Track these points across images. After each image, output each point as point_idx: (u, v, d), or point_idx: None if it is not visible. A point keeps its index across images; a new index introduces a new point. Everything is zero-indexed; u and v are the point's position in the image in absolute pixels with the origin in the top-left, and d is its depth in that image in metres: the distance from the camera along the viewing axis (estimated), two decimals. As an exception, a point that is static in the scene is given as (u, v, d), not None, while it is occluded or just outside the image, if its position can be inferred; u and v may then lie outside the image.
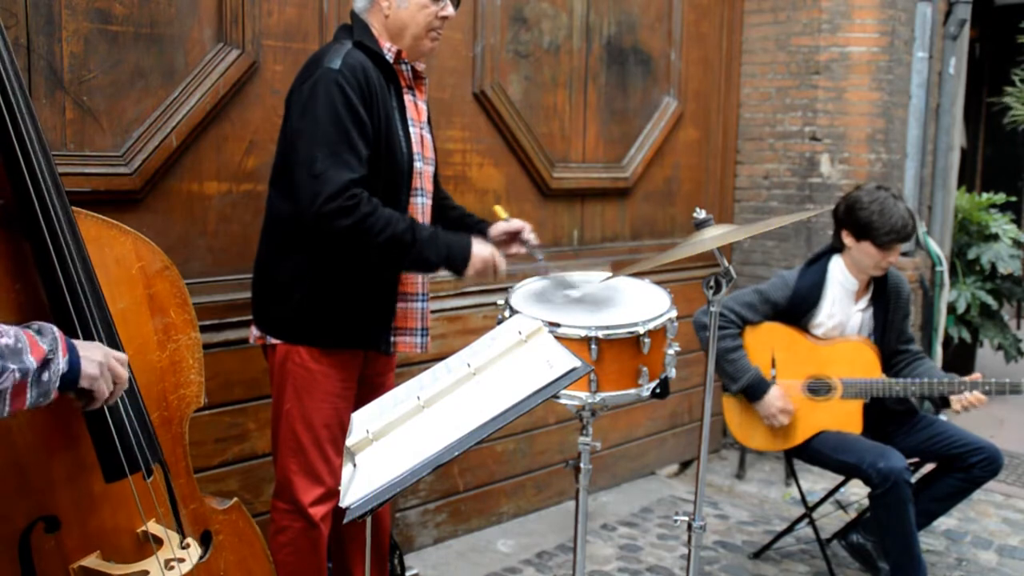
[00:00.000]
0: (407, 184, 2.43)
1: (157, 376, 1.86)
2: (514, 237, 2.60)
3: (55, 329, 1.51)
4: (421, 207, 2.50)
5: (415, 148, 2.44)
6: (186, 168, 2.75)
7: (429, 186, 2.54)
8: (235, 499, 2.08)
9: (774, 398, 3.16)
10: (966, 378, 3.10)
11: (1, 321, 1.45)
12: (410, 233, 2.29)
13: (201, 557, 1.88)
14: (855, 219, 3.16)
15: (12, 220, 1.65)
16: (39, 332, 1.48)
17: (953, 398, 3.09)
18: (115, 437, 1.69)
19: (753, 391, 3.16)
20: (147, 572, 1.74)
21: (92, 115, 2.54)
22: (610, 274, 2.39)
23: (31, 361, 1.43)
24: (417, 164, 2.45)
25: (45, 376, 1.46)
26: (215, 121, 2.79)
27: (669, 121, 4.30)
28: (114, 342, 1.72)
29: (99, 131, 2.56)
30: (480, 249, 2.39)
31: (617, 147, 4.13)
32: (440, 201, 2.68)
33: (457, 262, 2.37)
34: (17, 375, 1.41)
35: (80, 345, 1.54)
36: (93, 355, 1.55)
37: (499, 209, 2.67)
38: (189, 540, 1.85)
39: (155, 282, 1.88)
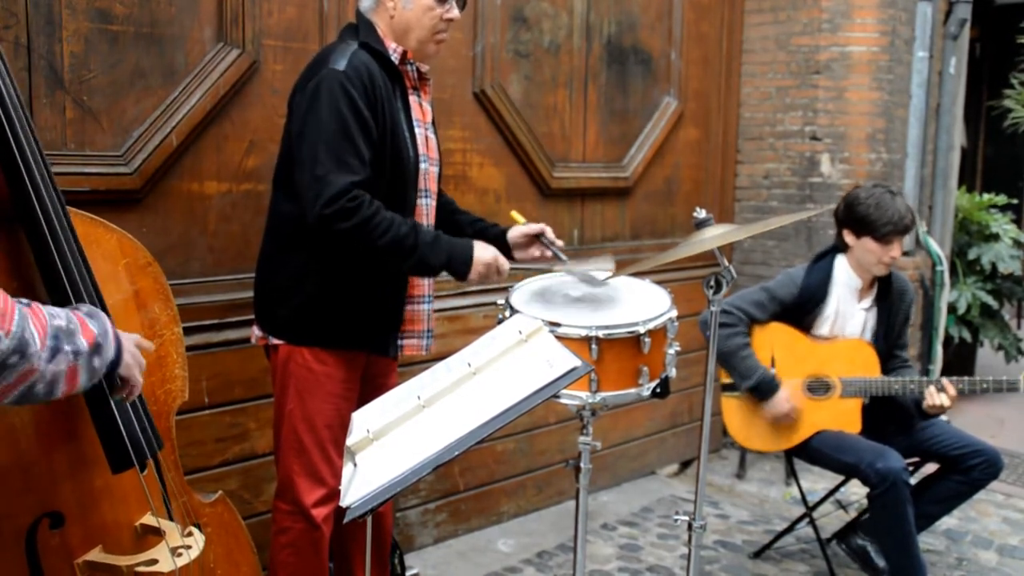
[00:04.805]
0: (414, 185, 2.43)
1: (145, 372, 1.87)
2: (534, 240, 2.60)
3: (103, 315, 1.52)
4: (426, 208, 2.50)
5: (420, 149, 2.44)
6: (186, 168, 2.75)
7: (434, 187, 2.54)
8: (220, 492, 2.10)
9: (782, 399, 3.17)
10: (954, 377, 3.12)
11: None
12: (412, 236, 2.28)
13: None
14: (853, 215, 3.18)
15: (9, 218, 1.65)
16: (89, 315, 1.48)
17: (927, 398, 3.10)
18: (121, 427, 1.70)
19: (762, 391, 3.17)
20: (156, 560, 1.76)
21: (92, 115, 2.54)
22: (611, 274, 2.39)
23: (83, 343, 1.41)
24: (423, 165, 2.45)
25: (96, 362, 1.45)
26: (215, 121, 2.79)
27: (669, 121, 4.30)
28: None
29: (99, 131, 2.56)
30: (482, 253, 2.38)
31: (617, 147, 4.13)
32: (446, 207, 2.67)
33: (459, 266, 2.36)
34: (71, 357, 1.38)
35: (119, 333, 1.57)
36: (126, 343, 1.58)
37: (516, 215, 2.69)
38: (191, 528, 1.86)
39: (139, 278, 1.90)
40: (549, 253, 2.58)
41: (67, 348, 1.38)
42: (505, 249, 2.55)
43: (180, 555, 1.78)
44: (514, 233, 2.60)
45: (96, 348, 1.44)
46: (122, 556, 1.76)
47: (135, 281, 1.89)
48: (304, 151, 2.25)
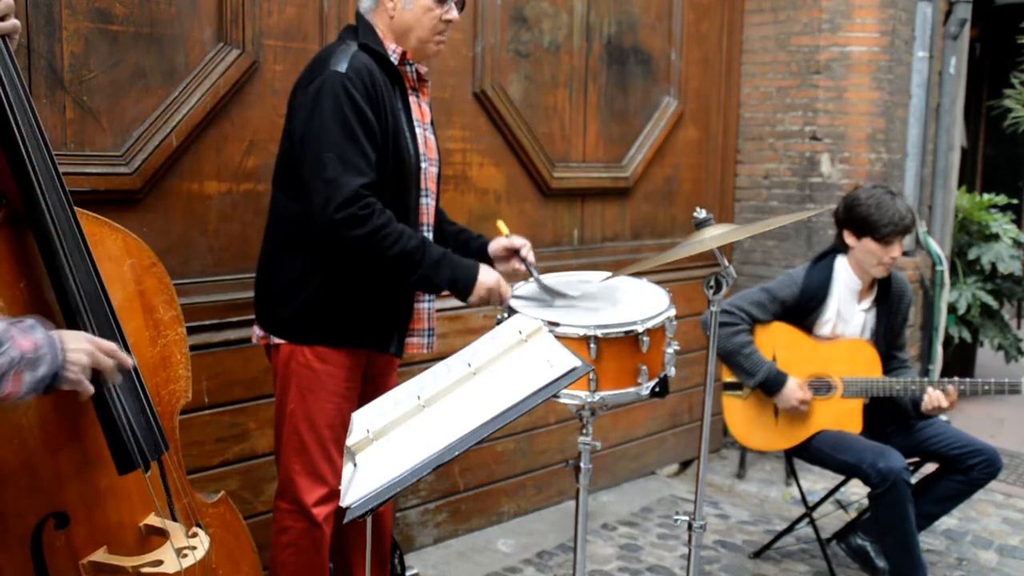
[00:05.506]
0: (415, 185, 2.44)
1: (149, 371, 1.88)
2: (513, 254, 2.61)
3: (41, 328, 1.52)
4: (426, 208, 2.51)
5: (421, 149, 2.44)
6: (186, 168, 2.75)
7: (434, 187, 2.55)
8: (222, 492, 2.10)
9: (793, 389, 3.17)
10: (955, 379, 3.13)
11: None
12: (420, 252, 2.29)
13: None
14: (854, 216, 3.18)
15: (17, 219, 1.66)
16: (27, 329, 1.49)
17: (925, 398, 3.11)
18: (123, 430, 1.71)
19: (771, 384, 3.17)
20: (161, 561, 1.76)
21: (92, 115, 2.54)
22: (610, 274, 2.39)
23: (15, 352, 1.45)
24: (423, 165, 2.46)
25: (41, 371, 1.47)
26: (215, 121, 2.79)
27: (669, 121, 4.30)
28: (119, 340, 1.73)
29: (99, 131, 2.56)
30: (486, 277, 2.38)
31: (617, 147, 4.13)
32: (436, 215, 2.68)
33: (462, 287, 2.37)
34: (15, 355, 1.43)
35: (66, 339, 1.55)
36: (78, 358, 1.55)
37: (501, 225, 2.70)
38: (196, 530, 1.87)
39: (144, 279, 1.91)
40: (523, 268, 2.57)
41: (4, 346, 1.43)
42: (486, 261, 2.57)
43: (185, 556, 1.78)
44: (495, 246, 2.62)
45: (33, 361, 1.48)
46: (127, 557, 1.76)
47: (140, 281, 1.90)
48: (310, 155, 2.25)
